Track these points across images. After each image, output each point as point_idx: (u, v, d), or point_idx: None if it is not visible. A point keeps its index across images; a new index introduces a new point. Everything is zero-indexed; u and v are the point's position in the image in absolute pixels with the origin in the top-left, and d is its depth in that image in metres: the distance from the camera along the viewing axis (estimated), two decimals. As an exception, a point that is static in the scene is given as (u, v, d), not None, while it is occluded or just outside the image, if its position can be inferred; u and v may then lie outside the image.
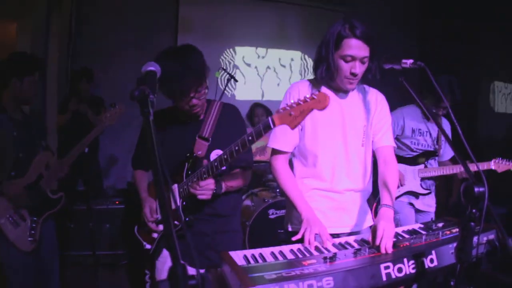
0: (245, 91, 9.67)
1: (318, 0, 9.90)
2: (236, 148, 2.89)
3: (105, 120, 4.46)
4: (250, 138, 2.80)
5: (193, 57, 3.15)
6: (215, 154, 3.37)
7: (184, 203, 3.33)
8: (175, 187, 3.36)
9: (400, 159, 4.93)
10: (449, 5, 9.33)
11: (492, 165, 4.82)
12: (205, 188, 3.17)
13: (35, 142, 4.31)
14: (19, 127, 4.20)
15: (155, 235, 3.52)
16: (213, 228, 3.50)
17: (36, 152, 4.26)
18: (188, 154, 3.38)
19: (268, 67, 9.88)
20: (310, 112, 2.55)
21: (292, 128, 2.63)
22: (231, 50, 9.55)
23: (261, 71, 9.82)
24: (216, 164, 3.04)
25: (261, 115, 8.08)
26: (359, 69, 3.03)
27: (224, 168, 3.10)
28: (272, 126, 2.67)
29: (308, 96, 2.53)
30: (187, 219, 3.31)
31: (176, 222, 3.25)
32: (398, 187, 4.98)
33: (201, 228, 3.45)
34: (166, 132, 3.48)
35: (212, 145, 3.39)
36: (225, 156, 2.97)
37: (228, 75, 7.88)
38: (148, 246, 3.58)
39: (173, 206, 3.32)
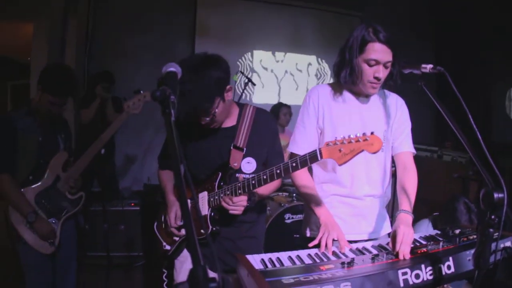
0: (262, 95, 9.71)
1: (334, 4, 9.90)
2: (278, 171, 2.84)
3: (128, 109, 4.27)
4: (294, 164, 2.75)
5: (205, 78, 3.01)
6: (246, 162, 3.35)
7: (212, 213, 3.28)
8: (205, 195, 3.32)
9: None
10: (465, 12, 9.30)
11: None
12: (238, 205, 3.12)
13: (58, 147, 4.28)
14: (46, 132, 4.16)
15: (176, 238, 3.49)
16: (237, 234, 3.47)
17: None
18: (223, 164, 3.33)
19: (286, 71, 9.90)
20: (360, 152, 2.51)
21: (340, 165, 2.59)
22: (248, 54, 9.58)
23: (278, 75, 9.84)
24: (253, 182, 2.97)
25: (288, 114, 8.07)
26: (382, 73, 3.02)
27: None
28: (319, 158, 2.63)
29: (361, 135, 2.48)
30: (213, 229, 3.27)
31: (202, 230, 3.20)
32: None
33: (225, 233, 3.42)
34: (199, 136, 3.41)
35: (246, 154, 3.34)
36: (265, 177, 2.90)
37: (246, 79, 7.88)
38: (168, 247, 3.57)
39: (201, 214, 3.30)
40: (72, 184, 4.21)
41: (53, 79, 4.02)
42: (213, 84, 3.04)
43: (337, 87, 3.30)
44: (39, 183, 4.09)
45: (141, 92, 4.29)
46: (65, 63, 7.25)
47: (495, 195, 2.10)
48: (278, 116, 8.01)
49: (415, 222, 4.32)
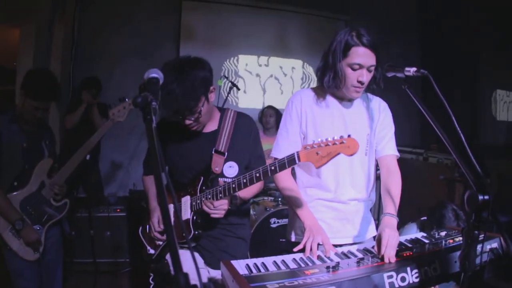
0: (247, 99, 9.66)
1: (319, 8, 9.88)
2: (257, 175, 2.87)
3: (114, 117, 4.23)
4: (272, 168, 2.78)
5: (191, 77, 3.06)
6: (228, 166, 3.38)
7: (195, 217, 3.32)
8: (188, 199, 3.36)
9: None
10: (450, 14, 9.34)
11: None
12: (219, 208, 3.16)
13: (42, 153, 4.27)
14: (30, 139, 4.16)
15: (159, 242, 3.53)
16: (224, 233, 3.51)
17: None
18: (204, 168, 3.37)
19: (271, 76, 9.86)
20: (337, 155, 2.53)
21: (317, 167, 2.61)
22: (233, 58, 9.55)
23: (263, 79, 9.80)
24: (233, 186, 3.01)
25: (269, 116, 7.99)
26: (366, 77, 3.02)
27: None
28: (297, 161, 2.65)
29: (338, 138, 2.51)
30: (196, 232, 3.30)
31: (183, 234, 3.25)
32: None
33: (212, 233, 3.48)
34: (181, 141, 3.45)
35: (227, 158, 3.37)
36: (244, 181, 2.94)
37: (230, 83, 7.87)
38: (151, 251, 3.61)
39: (183, 217, 3.34)
40: (56, 191, 4.20)
41: (35, 84, 4.02)
42: (199, 82, 3.08)
43: (320, 91, 3.31)
44: (24, 189, 4.09)
45: (126, 100, 4.25)
46: (51, 68, 7.21)
47: (480, 197, 2.10)
48: (262, 119, 8.01)
49: (401, 224, 4.33)
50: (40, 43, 7.49)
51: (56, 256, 4.44)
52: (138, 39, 8.69)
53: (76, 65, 8.37)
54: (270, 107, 8.22)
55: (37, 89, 4.00)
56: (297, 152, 2.64)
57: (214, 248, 3.48)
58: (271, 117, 7.96)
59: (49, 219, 4.22)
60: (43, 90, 4.02)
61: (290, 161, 2.68)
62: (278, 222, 6.36)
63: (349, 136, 2.50)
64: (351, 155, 2.50)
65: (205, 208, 3.18)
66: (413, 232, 4.44)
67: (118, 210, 7.23)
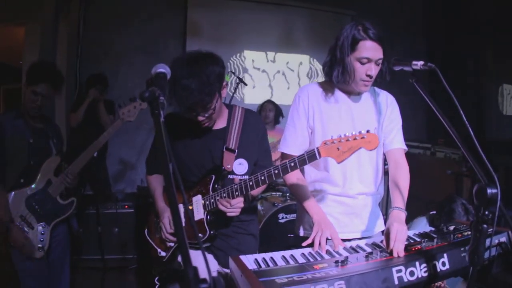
0: (254, 94, 9.63)
1: (325, 3, 9.86)
2: (276, 171, 2.84)
3: (124, 116, 4.21)
4: (292, 164, 2.76)
5: (206, 72, 3.00)
6: (238, 163, 3.35)
7: (208, 217, 3.27)
8: (199, 198, 3.30)
9: None
10: (456, 8, 9.31)
11: None
12: (236, 206, 3.11)
13: (49, 151, 4.28)
14: (36, 135, 4.18)
15: (171, 244, 3.46)
16: (235, 230, 3.50)
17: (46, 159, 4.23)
18: (215, 166, 3.34)
19: (278, 71, 9.85)
20: (358, 150, 2.55)
21: (338, 162, 2.62)
22: (240, 54, 9.54)
23: (270, 75, 9.80)
24: (251, 183, 2.98)
25: (268, 110, 7.96)
26: (374, 71, 3.02)
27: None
28: (318, 156, 2.65)
29: (357, 134, 2.52)
30: (211, 232, 3.26)
31: (200, 234, 3.23)
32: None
33: (224, 231, 3.45)
34: (189, 138, 3.41)
35: (237, 155, 3.34)
36: (263, 178, 2.91)
37: (237, 79, 7.85)
38: (163, 254, 3.54)
39: (196, 218, 3.28)
40: (69, 180, 4.18)
41: (32, 69, 4.12)
42: (213, 78, 3.04)
43: (327, 86, 3.30)
44: (31, 187, 4.09)
45: (137, 99, 4.22)
46: (57, 66, 7.23)
47: (489, 191, 2.09)
48: (261, 113, 7.98)
49: (410, 219, 4.32)
50: (45, 41, 7.50)
51: (63, 254, 4.45)
52: (143, 36, 8.69)
53: (82, 63, 8.37)
54: (269, 101, 8.20)
55: (34, 72, 4.10)
56: (317, 148, 2.65)
57: (227, 246, 3.45)
58: (271, 112, 7.94)
59: (54, 217, 4.23)
60: (39, 72, 4.10)
61: (310, 157, 2.69)
62: (286, 218, 6.34)
63: (368, 131, 2.52)
64: (372, 149, 2.54)
65: (221, 207, 3.13)
66: (423, 226, 4.43)
67: (126, 206, 7.25)
